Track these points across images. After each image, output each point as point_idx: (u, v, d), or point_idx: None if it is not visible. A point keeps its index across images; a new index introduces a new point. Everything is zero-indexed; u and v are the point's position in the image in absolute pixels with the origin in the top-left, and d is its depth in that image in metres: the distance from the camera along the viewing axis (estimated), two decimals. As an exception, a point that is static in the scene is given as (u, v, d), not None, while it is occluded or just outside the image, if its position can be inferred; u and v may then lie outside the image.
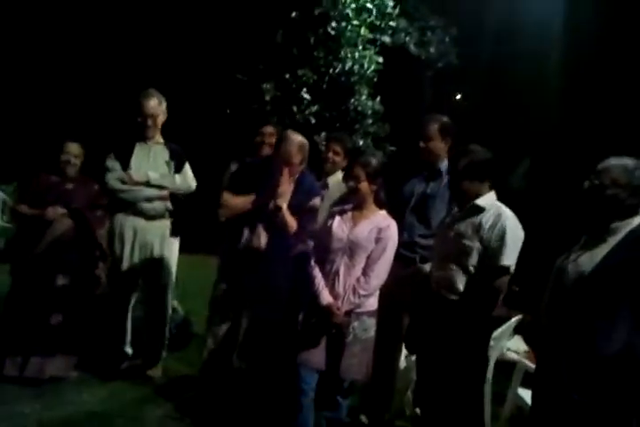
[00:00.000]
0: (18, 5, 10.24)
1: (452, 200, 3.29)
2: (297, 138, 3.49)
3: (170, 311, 4.29)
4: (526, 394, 3.55)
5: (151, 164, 4.03)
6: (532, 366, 3.53)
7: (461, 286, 2.86)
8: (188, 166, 4.17)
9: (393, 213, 3.24)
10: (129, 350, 4.21)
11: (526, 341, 4.12)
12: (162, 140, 4.13)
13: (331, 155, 3.93)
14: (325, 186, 3.87)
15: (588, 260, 2.31)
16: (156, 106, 4.00)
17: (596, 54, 10.13)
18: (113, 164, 3.97)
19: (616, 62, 9.72)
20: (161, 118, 4.07)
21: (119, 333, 4.13)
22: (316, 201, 3.57)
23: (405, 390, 3.86)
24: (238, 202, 3.51)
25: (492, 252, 2.80)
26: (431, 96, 11.22)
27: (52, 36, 10.33)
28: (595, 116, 9.68)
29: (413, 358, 3.51)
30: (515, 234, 2.80)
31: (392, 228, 3.15)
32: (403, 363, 3.85)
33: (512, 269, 2.81)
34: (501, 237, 2.78)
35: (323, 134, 8.84)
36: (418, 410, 3.59)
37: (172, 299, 4.38)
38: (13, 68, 10.31)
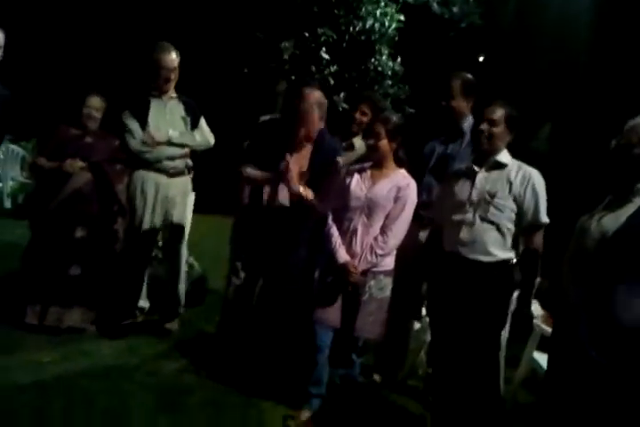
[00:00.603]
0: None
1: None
2: (314, 94, 3.41)
3: (186, 268, 4.32)
4: (541, 358, 3.55)
5: (168, 120, 3.98)
6: (549, 330, 3.55)
7: (494, 247, 2.83)
8: (203, 121, 4.12)
9: (412, 174, 3.19)
10: (145, 304, 4.25)
11: (543, 305, 4.10)
12: (175, 95, 4.06)
13: (358, 115, 3.81)
14: (352, 146, 3.79)
15: (613, 220, 2.25)
16: (174, 59, 3.93)
17: (624, 15, 9.81)
18: (131, 123, 3.92)
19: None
20: (177, 73, 3.99)
21: (136, 286, 4.16)
22: (340, 160, 3.51)
23: (419, 351, 3.88)
24: (258, 176, 3.45)
25: (528, 210, 2.79)
26: (453, 57, 10.95)
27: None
28: (621, 77, 9.43)
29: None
30: (543, 189, 2.80)
31: (411, 187, 3.11)
32: (416, 323, 3.86)
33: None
34: (535, 194, 2.78)
35: (342, 95, 8.74)
36: (430, 370, 3.61)
37: (188, 255, 4.42)
38: (29, 22, 10.19)
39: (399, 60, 9.31)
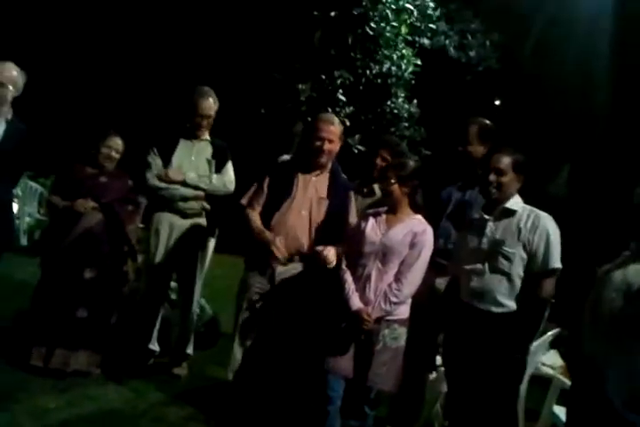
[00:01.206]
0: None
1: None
2: (337, 119, 3.41)
3: (198, 310, 4.26)
4: (561, 412, 3.42)
5: (193, 161, 3.98)
6: (568, 382, 3.43)
7: (504, 298, 2.76)
8: (229, 166, 4.08)
9: (429, 219, 3.14)
10: (156, 347, 4.17)
11: (562, 356, 3.97)
12: (207, 137, 4.06)
13: (379, 161, 3.74)
14: (372, 192, 3.74)
15: (638, 272, 2.18)
16: (212, 106, 3.95)
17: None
18: (154, 159, 3.94)
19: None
20: (213, 118, 4.01)
21: (147, 329, 4.08)
22: (351, 196, 3.49)
23: (434, 402, 3.73)
24: (255, 227, 3.38)
25: (538, 257, 2.73)
26: (470, 101, 11.02)
27: (93, 25, 10.44)
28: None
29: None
30: (556, 234, 2.74)
31: (428, 232, 3.05)
32: (432, 374, 3.73)
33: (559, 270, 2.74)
34: (545, 240, 2.72)
35: (357, 137, 8.78)
36: (447, 423, 3.48)
37: (200, 298, 4.36)
38: (52, 59, 10.45)
39: (415, 102, 9.37)
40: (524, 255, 2.75)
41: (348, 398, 3.09)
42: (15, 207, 7.86)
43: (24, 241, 7.31)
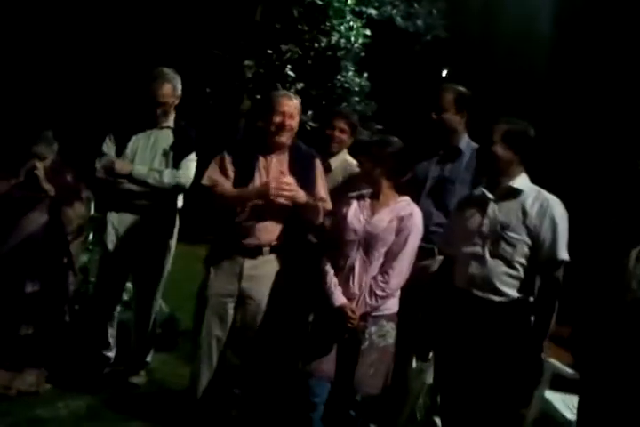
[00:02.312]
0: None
1: (473, 183, 2.91)
2: (294, 101, 3.07)
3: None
4: (554, 397, 3.24)
5: (149, 152, 3.56)
6: (560, 366, 3.24)
7: (505, 286, 2.49)
8: (190, 159, 3.62)
9: None
10: (111, 354, 3.78)
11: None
12: (171, 124, 3.62)
13: (337, 133, 3.45)
14: (328, 168, 3.43)
15: None
16: (170, 92, 3.51)
17: (585, 21, 9.91)
18: (108, 148, 3.54)
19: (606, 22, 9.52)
20: (173, 104, 3.58)
21: (100, 334, 3.68)
22: (318, 163, 3.16)
23: (418, 394, 3.50)
24: (228, 193, 3.02)
25: (544, 244, 2.46)
26: (419, 72, 10.82)
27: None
28: (583, 82, 9.50)
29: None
30: (564, 221, 2.47)
31: (415, 216, 2.74)
32: (413, 364, 3.49)
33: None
34: (553, 227, 2.44)
35: (309, 113, 8.46)
36: (438, 420, 3.25)
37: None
38: None
39: (365, 75, 9.10)
40: (529, 241, 2.48)
41: (331, 402, 2.79)
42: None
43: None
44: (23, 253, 3.33)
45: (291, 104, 3.03)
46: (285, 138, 3.04)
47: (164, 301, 4.38)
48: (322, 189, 3.10)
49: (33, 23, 9.67)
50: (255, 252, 3.01)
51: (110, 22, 9.32)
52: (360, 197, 2.83)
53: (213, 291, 3.05)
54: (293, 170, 3.07)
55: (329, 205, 3.04)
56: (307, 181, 3.05)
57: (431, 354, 3.07)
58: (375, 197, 2.80)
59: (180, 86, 3.60)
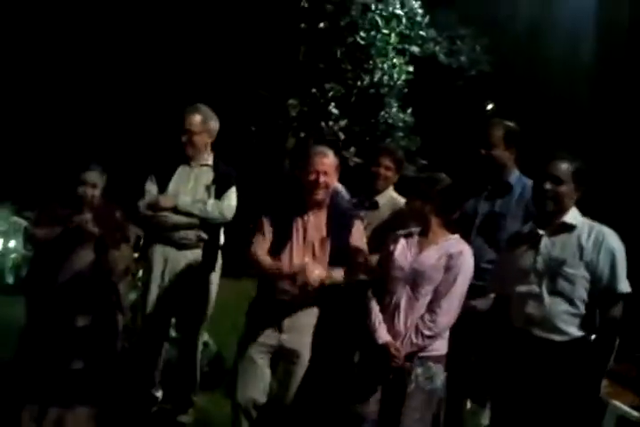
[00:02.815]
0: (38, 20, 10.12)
1: (525, 219, 2.84)
2: (331, 151, 3.06)
3: (201, 348, 3.88)
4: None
5: (190, 187, 3.64)
6: (624, 408, 3.08)
7: (566, 324, 2.41)
8: (231, 192, 3.69)
9: None
10: (158, 392, 3.78)
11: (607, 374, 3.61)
12: (210, 162, 3.71)
13: (382, 170, 3.44)
14: (375, 205, 3.43)
15: None
16: (198, 123, 3.61)
17: (628, 54, 9.78)
18: (150, 187, 3.63)
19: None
20: (204, 137, 3.65)
21: (148, 373, 3.71)
22: (358, 226, 3.08)
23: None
24: (268, 266, 2.97)
25: (602, 278, 2.39)
26: (463, 107, 10.80)
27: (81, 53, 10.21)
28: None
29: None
30: (622, 253, 2.40)
31: (465, 254, 2.67)
32: (468, 405, 3.37)
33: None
34: (611, 260, 2.38)
35: (352, 149, 8.52)
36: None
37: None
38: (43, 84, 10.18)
39: (409, 111, 9.13)
40: (588, 276, 2.40)
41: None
42: (-1, 243, 7.53)
43: (10, 279, 6.91)
44: (73, 289, 3.38)
45: (325, 162, 2.99)
46: (320, 196, 2.99)
47: (210, 337, 4.39)
48: (362, 245, 3.04)
49: (83, 62, 10.13)
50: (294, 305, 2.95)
51: (156, 64, 9.68)
52: (408, 235, 2.79)
53: (252, 343, 2.99)
54: (331, 228, 3.02)
55: (366, 261, 2.99)
56: (343, 241, 3.00)
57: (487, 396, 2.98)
58: (424, 234, 2.75)
59: (213, 123, 3.68)
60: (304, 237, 3.00)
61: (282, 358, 2.99)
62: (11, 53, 10.32)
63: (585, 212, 2.58)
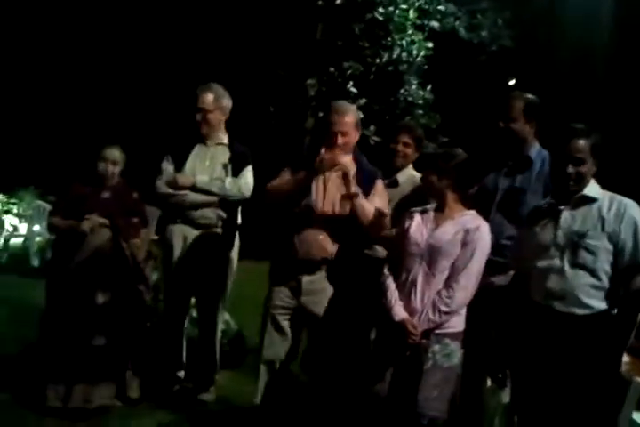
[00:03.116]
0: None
1: (545, 193, 2.78)
2: (351, 107, 3.03)
3: (222, 327, 3.91)
4: (641, 419, 3.03)
5: (207, 166, 3.63)
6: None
7: (589, 297, 2.38)
8: (248, 170, 3.68)
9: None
10: (181, 373, 3.82)
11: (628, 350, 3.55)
12: (225, 141, 3.70)
13: (400, 147, 3.39)
14: (395, 183, 3.38)
15: None
16: (211, 101, 3.58)
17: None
18: (167, 166, 3.63)
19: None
20: (217, 115, 3.64)
21: (174, 354, 3.74)
22: (380, 185, 3.08)
23: (493, 414, 3.35)
24: (283, 181, 3.04)
25: (625, 249, 2.35)
26: (485, 82, 10.60)
27: (92, 30, 10.21)
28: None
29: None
30: None
31: (483, 229, 2.61)
32: (488, 383, 3.35)
33: None
34: (634, 230, 2.33)
35: (372, 128, 8.43)
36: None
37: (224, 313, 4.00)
38: (57, 70, 10.22)
39: (429, 88, 8.99)
40: (610, 248, 2.35)
41: (396, 424, 2.67)
42: (24, 227, 7.64)
43: (35, 262, 7.02)
44: (92, 266, 3.43)
45: (345, 121, 2.95)
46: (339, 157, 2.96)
47: (231, 317, 4.42)
48: (380, 207, 3.02)
49: (97, 47, 10.14)
50: (313, 267, 2.98)
51: (173, 45, 9.65)
52: (424, 212, 2.74)
53: (274, 304, 3.06)
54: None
55: (387, 221, 2.98)
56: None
57: (507, 373, 2.94)
58: (440, 210, 2.70)
59: (225, 101, 3.66)
60: (324, 193, 3.02)
61: (302, 318, 3.06)
62: (26, 37, 10.37)
63: (603, 185, 2.52)
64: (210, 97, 3.59)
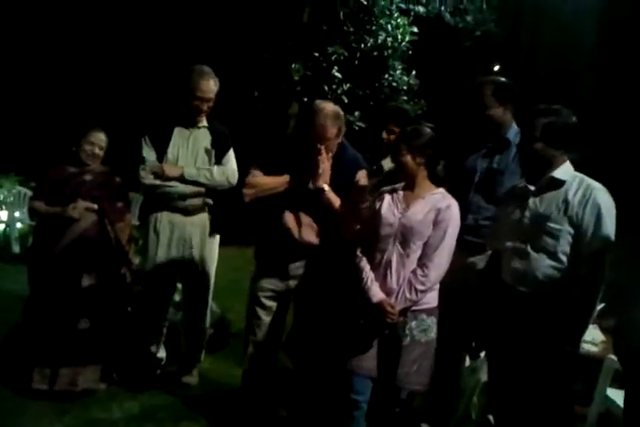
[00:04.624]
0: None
1: (523, 175, 2.81)
2: (329, 107, 3.02)
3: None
4: (616, 395, 3.08)
5: (190, 151, 3.55)
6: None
7: (549, 279, 2.42)
8: (230, 155, 3.64)
9: (454, 194, 2.76)
10: (162, 354, 3.83)
11: (602, 330, 3.61)
12: (205, 123, 3.61)
13: (385, 135, 3.38)
14: (380, 170, 3.37)
15: None
16: (213, 88, 3.49)
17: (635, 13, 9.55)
18: (148, 153, 3.51)
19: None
20: (213, 102, 3.56)
21: (154, 337, 3.74)
22: (362, 175, 3.10)
23: (472, 393, 3.40)
24: (267, 181, 3.08)
25: (587, 232, 2.37)
26: (470, 68, 10.57)
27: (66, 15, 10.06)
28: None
29: (482, 354, 3.07)
30: (610, 208, 2.38)
31: (453, 208, 2.66)
32: (467, 362, 3.39)
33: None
34: (597, 214, 2.35)
35: (356, 113, 8.40)
36: (491, 417, 3.14)
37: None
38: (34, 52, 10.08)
39: (414, 73, 8.96)
40: (572, 231, 2.39)
41: (377, 399, 2.75)
42: (4, 214, 7.57)
43: (16, 249, 6.97)
44: (78, 250, 3.43)
45: (327, 133, 2.96)
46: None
47: (215, 302, 4.43)
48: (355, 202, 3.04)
49: (75, 27, 9.99)
50: (302, 251, 3.01)
51: (154, 25, 9.53)
52: (393, 191, 2.77)
53: (261, 286, 3.12)
54: (335, 172, 3.06)
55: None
56: (343, 187, 3.03)
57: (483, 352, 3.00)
58: (409, 188, 2.74)
59: (218, 86, 3.57)
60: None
61: (288, 302, 3.14)
62: (9, 24, 10.20)
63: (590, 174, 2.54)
64: (212, 84, 3.47)
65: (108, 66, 10.10)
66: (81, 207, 3.46)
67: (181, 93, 3.49)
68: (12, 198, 7.33)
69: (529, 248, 2.45)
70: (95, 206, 3.50)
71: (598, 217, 2.36)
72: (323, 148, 2.96)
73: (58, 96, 10.41)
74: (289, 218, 3.03)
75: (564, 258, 2.42)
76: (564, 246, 2.40)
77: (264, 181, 3.09)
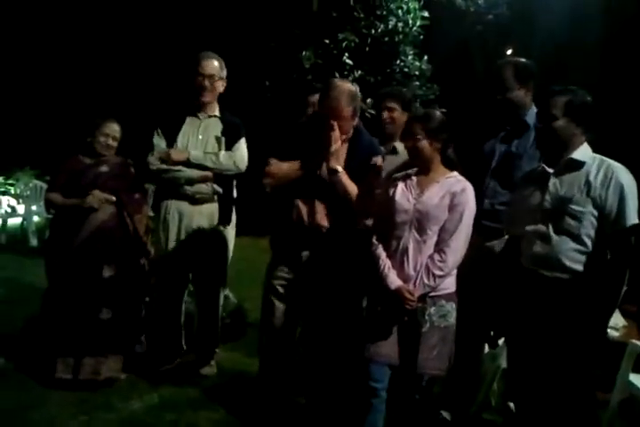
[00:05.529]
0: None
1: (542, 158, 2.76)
2: (346, 84, 2.97)
3: (222, 302, 3.91)
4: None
5: (200, 140, 3.56)
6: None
7: (573, 262, 2.37)
8: (242, 143, 3.63)
9: (471, 179, 2.70)
10: (182, 344, 3.83)
11: (624, 314, 3.57)
12: (217, 113, 3.63)
13: (386, 113, 3.34)
14: (394, 151, 3.32)
15: None
16: (217, 68, 3.54)
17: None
18: (159, 141, 3.54)
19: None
20: (220, 85, 3.58)
21: (171, 327, 3.74)
22: (378, 160, 3.05)
23: (492, 380, 3.38)
24: (284, 168, 3.04)
25: (611, 214, 2.32)
26: (482, 52, 10.46)
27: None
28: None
29: (501, 341, 3.04)
30: (633, 188, 2.33)
31: (468, 191, 2.61)
32: (486, 349, 3.36)
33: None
34: (620, 195, 2.31)
35: (369, 100, 8.33)
36: (511, 404, 3.12)
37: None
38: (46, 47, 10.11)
39: (425, 58, 8.86)
40: (595, 213, 2.34)
41: (397, 386, 2.72)
42: (21, 207, 7.63)
43: (34, 242, 7.03)
44: (97, 241, 3.44)
45: (337, 109, 2.90)
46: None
47: (231, 291, 4.43)
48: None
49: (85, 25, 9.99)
50: (315, 238, 2.98)
51: (165, 16, 9.52)
52: (406, 178, 2.73)
53: (276, 275, 3.10)
54: (349, 157, 3.02)
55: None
56: (357, 172, 2.98)
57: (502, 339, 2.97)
58: (423, 173, 2.69)
59: (225, 71, 3.60)
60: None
61: (302, 290, 3.08)
62: (13, 17, 10.23)
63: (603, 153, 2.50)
64: (216, 64, 3.53)
65: (120, 58, 10.11)
66: (99, 197, 3.46)
67: (188, 77, 3.54)
68: (28, 192, 7.40)
69: (551, 231, 2.41)
70: (113, 198, 3.51)
71: (622, 197, 2.31)
72: (336, 124, 2.90)
73: (71, 89, 10.45)
74: (301, 206, 3.00)
75: (588, 241, 2.37)
76: (588, 229, 2.36)
77: (280, 168, 3.05)
